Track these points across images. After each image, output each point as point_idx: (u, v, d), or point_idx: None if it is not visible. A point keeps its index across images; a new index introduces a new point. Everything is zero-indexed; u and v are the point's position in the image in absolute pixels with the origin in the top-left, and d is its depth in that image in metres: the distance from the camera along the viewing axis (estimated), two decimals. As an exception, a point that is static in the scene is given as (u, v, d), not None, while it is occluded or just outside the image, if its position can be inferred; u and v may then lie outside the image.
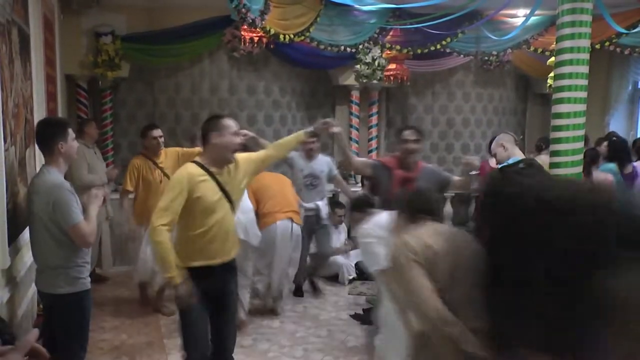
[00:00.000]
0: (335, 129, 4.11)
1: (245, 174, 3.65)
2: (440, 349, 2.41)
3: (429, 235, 2.62)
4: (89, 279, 3.50)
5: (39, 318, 4.37)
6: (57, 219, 3.28)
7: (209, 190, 3.42)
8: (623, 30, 7.44)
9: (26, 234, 3.95)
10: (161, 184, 5.57)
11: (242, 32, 7.44)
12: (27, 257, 3.98)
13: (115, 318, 5.75)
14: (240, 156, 3.61)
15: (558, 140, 4.70)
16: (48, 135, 3.42)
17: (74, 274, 3.38)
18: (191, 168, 3.46)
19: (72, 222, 3.28)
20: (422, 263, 2.51)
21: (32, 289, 4.28)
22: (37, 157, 4.68)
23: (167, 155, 5.82)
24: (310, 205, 6.07)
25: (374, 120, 8.87)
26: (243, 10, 6.42)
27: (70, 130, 3.47)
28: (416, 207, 2.91)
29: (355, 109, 8.76)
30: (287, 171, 6.35)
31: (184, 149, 6.07)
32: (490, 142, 6.30)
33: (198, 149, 5.20)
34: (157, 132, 5.80)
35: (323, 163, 6.24)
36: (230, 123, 3.50)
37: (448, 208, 8.08)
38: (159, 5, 7.47)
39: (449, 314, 2.37)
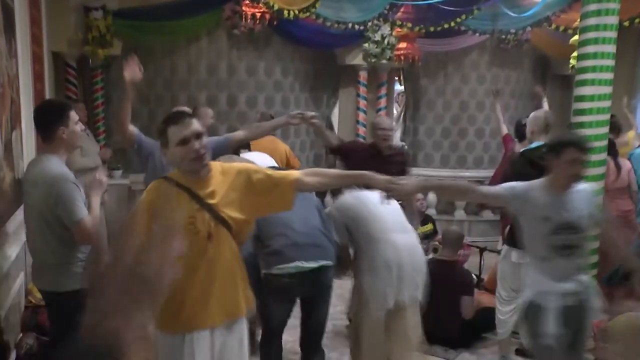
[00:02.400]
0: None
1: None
2: None
3: None
4: None
5: (26, 310, 4.38)
6: (59, 214, 3.18)
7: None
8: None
9: (11, 223, 3.93)
10: None
11: (243, 8, 7.37)
12: (11, 250, 3.97)
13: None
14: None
15: (580, 125, 4.66)
16: (48, 120, 3.30)
17: (77, 269, 3.30)
18: None
19: (77, 218, 3.16)
20: None
21: (19, 282, 4.28)
22: (25, 141, 4.67)
23: None
24: None
25: (383, 102, 8.81)
26: (244, -17, 6.38)
27: (72, 114, 3.34)
28: None
29: (362, 90, 8.71)
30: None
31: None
32: (517, 126, 6.31)
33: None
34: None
35: None
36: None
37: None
38: (154, -22, 7.40)
39: None
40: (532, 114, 4.80)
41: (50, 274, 3.31)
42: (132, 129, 4.15)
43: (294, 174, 2.86)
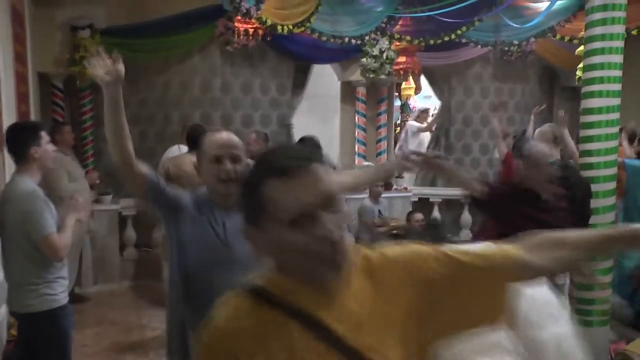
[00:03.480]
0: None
1: None
2: None
3: None
4: (64, 296, 3.44)
5: (9, 345, 4.28)
6: (27, 230, 3.27)
7: None
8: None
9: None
10: None
11: (236, 24, 7.33)
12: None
13: (98, 343, 5.65)
14: None
15: (589, 139, 4.57)
16: (19, 140, 3.41)
17: (43, 290, 3.35)
18: None
19: (43, 232, 3.26)
20: None
21: (1, 314, 4.19)
22: (8, 163, 4.59)
23: None
24: None
25: (383, 119, 8.76)
26: (236, -1, 6.35)
27: (43, 134, 3.45)
28: None
29: (361, 106, 8.66)
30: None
31: None
32: (516, 139, 6.23)
33: None
34: None
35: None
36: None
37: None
38: (143, -5, 7.39)
39: None
40: (537, 130, 4.74)
41: (18, 294, 3.37)
42: (142, 167, 2.59)
43: (512, 250, 1.45)
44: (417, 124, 10.07)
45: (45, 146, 3.44)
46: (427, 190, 8.77)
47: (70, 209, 3.50)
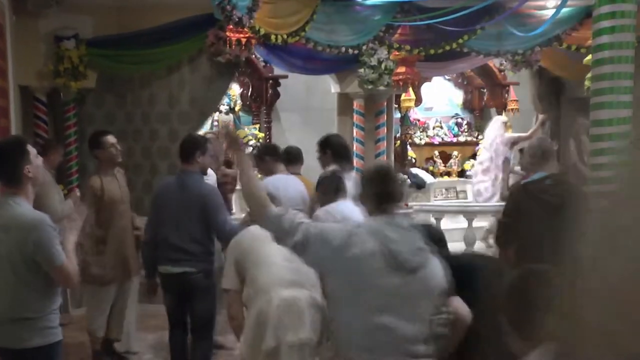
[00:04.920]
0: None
1: None
2: None
3: None
4: (60, 329, 3.36)
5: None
6: (37, 260, 3.14)
7: None
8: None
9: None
10: None
11: (228, 33, 7.31)
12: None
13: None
14: None
15: (599, 152, 4.55)
16: (10, 161, 3.24)
17: (45, 323, 3.23)
18: None
19: (57, 262, 3.15)
20: None
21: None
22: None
23: None
24: None
25: (382, 132, 8.71)
26: (228, 7, 6.35)
27: (30, 148, 3.32)
28: None
29: (359, 119, 8.62)
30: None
31: None
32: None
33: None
34: None
35: None
36: None
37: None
38: (131, 4, 7.37)
39: None
40: (527, 143, 4.75)
41: (11, 328, 3.22)
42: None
43: None
44: (513, 135, 9.71)
45: (36, 161, 3.31)
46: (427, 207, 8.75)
47: (70, 230, 3.40)
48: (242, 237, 3.84)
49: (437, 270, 2.66)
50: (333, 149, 5.20)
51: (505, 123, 9.49)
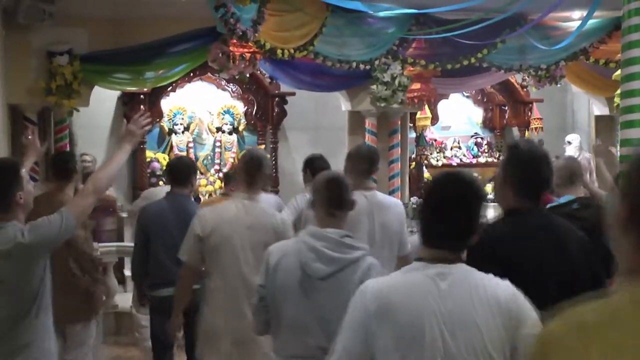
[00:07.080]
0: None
1: None
2: None
3: None
4: None
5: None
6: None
7: None
8: None
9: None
10: None
11: (231, 48, 7.35)
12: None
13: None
14: None
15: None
16: (2, 186, 3.26)
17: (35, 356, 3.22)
18: None
19: None
20: None
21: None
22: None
23: None
24: None
25: (395, 153, 8.69)
26: (231, 20, 6.39)
27: (24, 173, 3.37)
28: None
29: (371, 139, 8.60)
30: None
31: None
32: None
33: None
34: None
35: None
36: None
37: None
38: (128, 17, 7.43)
39: None
40: (554, 164, 4.67)
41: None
42: None
43: None
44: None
45: (28, 187, 3.34)
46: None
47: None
48: None
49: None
50: (313, 170, 5.39)
51: None
